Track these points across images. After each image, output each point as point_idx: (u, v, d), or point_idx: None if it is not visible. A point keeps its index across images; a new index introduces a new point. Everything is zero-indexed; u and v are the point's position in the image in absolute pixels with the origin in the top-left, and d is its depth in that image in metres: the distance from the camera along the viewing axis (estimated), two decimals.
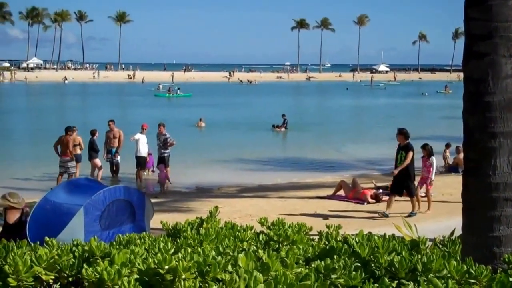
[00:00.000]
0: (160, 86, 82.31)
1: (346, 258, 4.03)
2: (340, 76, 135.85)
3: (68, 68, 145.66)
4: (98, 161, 19.23)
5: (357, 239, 4.49)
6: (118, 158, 19.91)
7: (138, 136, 19.52)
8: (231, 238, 4.97)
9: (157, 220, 11.25)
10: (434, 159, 15.19)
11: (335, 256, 4.08)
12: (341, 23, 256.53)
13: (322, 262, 3.78)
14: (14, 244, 3.83)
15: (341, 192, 16.60)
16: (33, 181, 19.40)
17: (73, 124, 19.53)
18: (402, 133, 14.22)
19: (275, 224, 5.52)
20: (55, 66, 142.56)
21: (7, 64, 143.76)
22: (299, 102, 68.01)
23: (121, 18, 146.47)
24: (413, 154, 14.00)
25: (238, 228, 5.50)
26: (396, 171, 13.90)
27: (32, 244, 3.90)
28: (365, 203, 15.52)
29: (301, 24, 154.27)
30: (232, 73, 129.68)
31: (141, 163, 19.46)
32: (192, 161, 23.85)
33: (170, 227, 5.63)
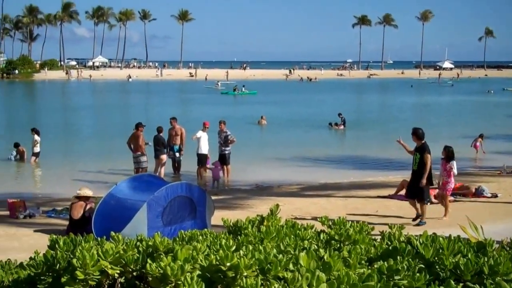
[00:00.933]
0: (218, 83, 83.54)
1: (410, 259, 3.95)
2: (402, 73, 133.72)
3: (133, 66, 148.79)
4: (164, 158, 19.55)
5: (421, 240, 4.40)
6: (181, 156, 20.15)
7: (199, 134, 19.72)
8: (292, 236, 4.95)
9: (217, 217, 11.37)
10: (454, 163, 14.00)
11: (398, 257, 4.01)
12: (404, 18, 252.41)
13: (385, 263, 3.72)
14: (81, 238, 3.93)
15: (404, 192, 16.30)
16: (98, 177, 19.89)
17: (137, 121, 19.89)
18: (415, 134, 13.15)
19: (336, 223, 5.47)
20: (119, 65, 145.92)
21: (74, 63, 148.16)
22: (360, 99, 67.35)
23: (183, 16, 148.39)
24: (431, 156, 12.95)
25: (299, 226, 5.47)
26: (424, 181, 12.77)
27: (99, 239, 3.98)
28: (429, 203, 15.16)
29: (363, 20, 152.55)
30: (292, 70, 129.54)
31: (202, 160, 19.66)
32: (253, 159, 23.95)
33: (231, 224, 5.64)
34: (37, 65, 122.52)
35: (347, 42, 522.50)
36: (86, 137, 32.23)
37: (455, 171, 13.92)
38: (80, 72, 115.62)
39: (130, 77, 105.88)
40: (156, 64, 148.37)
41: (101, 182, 18.67)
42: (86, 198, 11.92)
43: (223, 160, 19.53)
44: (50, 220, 13.38)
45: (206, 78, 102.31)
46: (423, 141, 13.06)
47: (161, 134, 19.63)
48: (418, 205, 13.05)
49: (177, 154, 20.11)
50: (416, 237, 4.80)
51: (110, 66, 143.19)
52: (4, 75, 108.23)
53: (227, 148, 19.52)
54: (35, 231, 12.23)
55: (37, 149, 22.86)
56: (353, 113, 43.53)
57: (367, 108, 53.61)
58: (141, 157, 18.67)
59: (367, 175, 20.74)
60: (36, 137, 22.83)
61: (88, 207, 11.69)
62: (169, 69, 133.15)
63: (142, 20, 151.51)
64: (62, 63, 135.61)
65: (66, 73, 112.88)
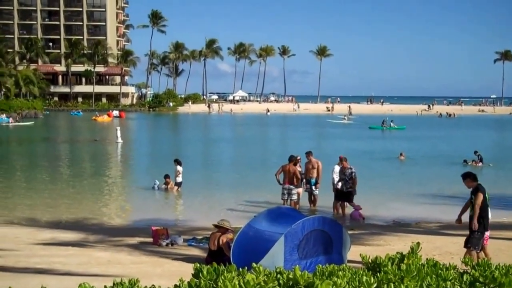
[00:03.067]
0: (345, 117, 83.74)
1: None
2: None
3: (271, 100, 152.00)
4: (301, 191, 19.71)
5: None
6: (317, 189, 20.19)
7: (336, 168, 19.70)
8: (433, 276, 4.79)
9: (353, 252, 11.23)
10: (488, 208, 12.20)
11: None
12: None
13: None
14: (224, 268, 4.05)
15: None
16: (236, 207, 20.38)
17: (275, 154, 20.22)
18: (469, 176, 11.95)
19: (480, 264, 5.22)
20: (258, 99, 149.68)
21: (215, 97, 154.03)
22: (502, 136, 64.03)
23: (322, 52, 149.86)
24: (484, 197, 11.67)
25: (441, 266, 5.28)
26: (475, 222, 11.52)
27: (240, 269, 4.09)
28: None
29: (506, 55, 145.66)
30: (431, 106, 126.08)
31: (337, 194, 19.56)
32: (391, 194, 23.47)
33: (370, 260, 5.55)
34: (181, 99, 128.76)
35: (488, 78, 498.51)
36: (225, 168, 33.19)
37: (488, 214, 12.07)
38: (221, 105, 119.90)
39: (268, 111, 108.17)
40: (293, 98, 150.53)
41: (239, 212, 19.16)
42: (225, 229, 12.23)
43: (346, 197, 19.22)
44: (190, 248, 13.85)
45: (350, 113, 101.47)
46: (477, 183, 11.91)
47: (296, 167, 19.81)
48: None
49: (314, 188, 20.17)
50: None
51: (249, 100, 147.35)
52: (150, 108, 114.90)
53: (352, 186, 19.13)
54: (176, 258, 12.72)
55: (179, 179, 23.89)
56: (493, 150, 41.49)
57: (509, 145, 50.82)
58: (293, 190, 19.01)
59: (508, 215, 19.57)
60: (179, 167, 23.88)
61: (226, 238, 11.99)
62: (306, 103, 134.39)
63: (281, 56, 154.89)
64: (204, 97, 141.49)
65: (208, 107, 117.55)
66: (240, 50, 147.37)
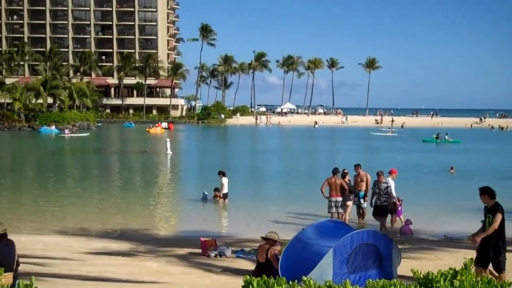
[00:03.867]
0: (390, 130, 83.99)
1: None
2: None
3: (319, 113, 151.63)
4: (350, 204, 19.52)
5: None
6: (366, 202, 19.99)
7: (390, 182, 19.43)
8: None
9: (403, 267, 11.04)
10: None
11: None
12: None
13: None
14: (274, 280, 4.04)
15: None
16: (284, 219, 20.33)
17: (322, 166, 20.15)
18: (487, 192, 11.04)
19: None
20: (306, 111, 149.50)
21: (263, 109, 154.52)
22: None
23: (370, 64, 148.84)
24: (503, 217, 10.76)
25: (495, 283, 5.15)
26: (478, 238, 10.82)
27: (290, 282, 4.07)
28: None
29: None
30: (483, 118, 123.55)
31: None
32: (440, 208, 23.03)
33: (421, 276, 5.46)
34: (230, 111, 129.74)
35: None
36: (273, 180, 33.17)
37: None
38: (269, 118, 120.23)
39: (316, 123, 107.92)
40: (340, 110, 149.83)
41: (287, 224, 19.12)
42: (273, 241, 12.19)
43: (383, 212, 18.82)
44: (238, 260, 13.86)
45: (402, 126, 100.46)
46: (496, 201, 11.06)
47: (345, 179, 19.65)
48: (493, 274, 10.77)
49: (362, 201, 19.97)
50: None
51: (297, 113, 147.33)
52: (199, 120, 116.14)
53: (387, 200, 18.59)
54: (225, 270, 12.74)
55: (225, 190, 24.02)
56: None
57: None
58: (340, 202, 18.90)
59: None
60: (224, 179, 24.03)
61: (274, 250, 11.95)
62: (355, 116, 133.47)
63: (329, 68, 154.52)
64: (252, 109, 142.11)
65: (256, 119, 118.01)
66: (289, 63, 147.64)
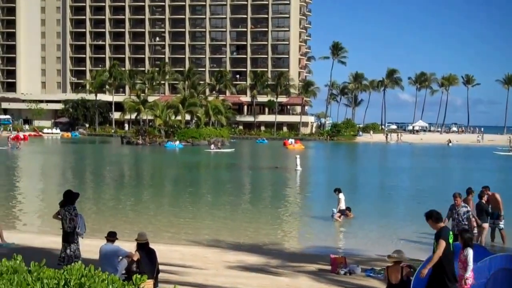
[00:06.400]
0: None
1: None
2: None
3: (452, 131, 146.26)
4: (486, 226, 18.50)
5: None
6: (501, 223, 18.91)
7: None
8: None
9: None
10: (470, 251, 10.22)
11: None
12: None
13: None
14: None
15: None
16: (413, 239, 19.72)
17: (454, 186, 19.35)
18: (430, 217, 10.02)
19: None
20: (439, 129, 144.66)
21: (394, 127, 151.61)
22: None
23: (509, 81, 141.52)
24: (446, 244, 9.72)
25: None
26: (425, 271, 9.91)
27: None
28: None
29: None
30: None
31: None
32: None
33: None
34: (359, 128, 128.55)
35: None
36: (402, 198, 32.35)
37: (470, 260, 10.13)
38: (400, 135, 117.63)
39: (450, 142, 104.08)
40: (477, 128, 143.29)
41: (417, 244, 18.53)
42: (403, 262, 11.84)
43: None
44: (368, 279, 13.61)
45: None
46: (441, 225, 10.00)
47: (482, 200, 18.70)
48: None
49: (497, 222, 18.91)
50: None
51: (429, 131, 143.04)
52: (328, 137, 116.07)
53: (467, 226, 15.95)
54: None
55: (342, 206, 23.86)
56: None
57: None
58: (474, 223, 18.03)
59: None
60: (341, 195, 23.93)
61: (406, 271, 11.59)
62: (492, 135, 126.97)
63: (465, 85, 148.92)
64: (382, 126, 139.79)
65: (386, 137, 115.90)
66: (421, 80, 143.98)
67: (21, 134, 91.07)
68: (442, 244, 9.71)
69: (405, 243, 18.75)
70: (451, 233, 10.01)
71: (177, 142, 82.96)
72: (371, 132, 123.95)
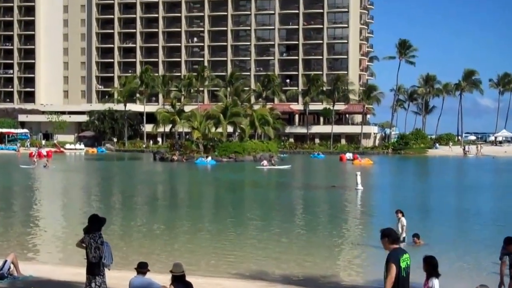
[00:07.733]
0: None
1: None
2: None
3: None
4: None
5: None
6: None
7: None
8: None
9: None
10: (436, 282, 10.17)
11: None
12: None
13: None
14: None
15: None
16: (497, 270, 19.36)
17: None
18: (386, 235, 9.98)
19: None
20: None
21: (473, 137, 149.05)
22: None
23: None
24: (396, 268, 9.50)
25: None
26: None
27: None
28: None
29: None
30: None
31: None
32: None
33: None
34: (431, 140, 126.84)
35: None
36: (483, 223, 31.77)
37: None
38: (480, 147, 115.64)
39: None
40: None
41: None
42: None
43: None
44: None
45: None
46: (394, 246, 9.87)
47: None
48: None
49: None
50: None
51: None
52: (393, 150, 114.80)
53: None
54: None
55: (402, 233, 23.30)
56: None
57: None
58: None
59: None
60: (403, 219, 23.42)
61: None
62: None
63: None
64: (459, 137, 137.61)
65: (464, 149, 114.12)
66: (505, 82, 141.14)
67: (43, 151, 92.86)
68: (392, 268, 9.59)
69: (489, 275, 18.37)
70: (406, 256, 9.83)
71: (209, 158, 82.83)
72: (451, 144, 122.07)
